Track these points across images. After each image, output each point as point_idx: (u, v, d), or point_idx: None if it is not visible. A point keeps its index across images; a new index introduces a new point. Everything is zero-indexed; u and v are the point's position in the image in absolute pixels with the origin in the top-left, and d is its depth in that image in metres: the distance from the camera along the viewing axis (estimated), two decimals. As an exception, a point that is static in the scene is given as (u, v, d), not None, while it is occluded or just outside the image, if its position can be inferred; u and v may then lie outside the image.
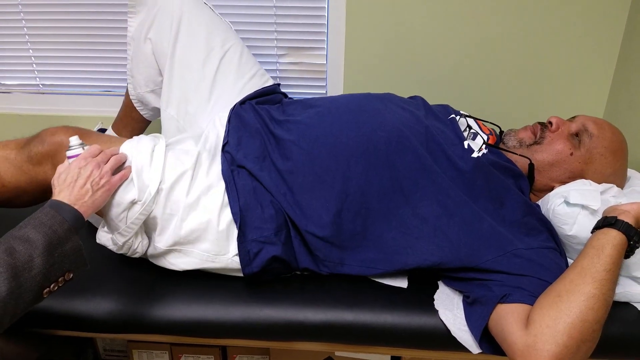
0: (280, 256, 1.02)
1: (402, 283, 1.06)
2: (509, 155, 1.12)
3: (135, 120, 1.40)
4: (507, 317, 0.88)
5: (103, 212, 1.00)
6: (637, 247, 0.90)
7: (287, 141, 1.08)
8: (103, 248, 1.05)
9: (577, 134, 1.09)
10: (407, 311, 1.01)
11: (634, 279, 0.98)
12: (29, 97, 1.79)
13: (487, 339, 0.93)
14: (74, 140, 0.98)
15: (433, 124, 1.12)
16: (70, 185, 0.90)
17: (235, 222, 1.01)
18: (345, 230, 1.03)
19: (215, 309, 1.02)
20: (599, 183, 1.05)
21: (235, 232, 1.02)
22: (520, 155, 1.10)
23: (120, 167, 0.99)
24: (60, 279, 0.82)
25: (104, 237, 1.04)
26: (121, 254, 1.05)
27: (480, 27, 1.52)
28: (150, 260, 1.08)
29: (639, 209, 0.91)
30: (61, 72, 1.75)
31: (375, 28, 1.55)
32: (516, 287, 0.92)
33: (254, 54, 1.33)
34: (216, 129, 1.16)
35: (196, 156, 1.06)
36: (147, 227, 1.04)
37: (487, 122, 1.23)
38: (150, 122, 1.43)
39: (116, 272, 1.10)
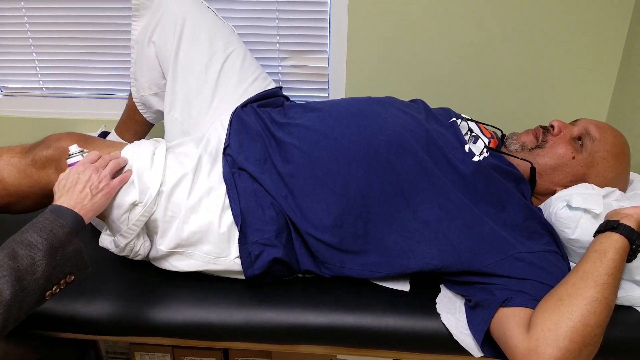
0: (282, 258, 1.02)
1: (404, 286, 1.06)
2: (511, 159, 1.11)
3: (139, 123, 1.40)
4: (509, 320, 0.88)
5: (105, 215, 1.01)
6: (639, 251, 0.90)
7: (288, 144, 1.08)
8: (106, 251, 1.05)
9: (579, 138, 1.09)
10: (409, 314, 1.01)
11: (636, 282, 0.98)
12: (33, 100, 1.80)
13: (489, 343, 0.93)
14: (74, 148, 1.00)
15: (434, 127, 1.12)
16: (70, 190, 0.91)
17: (237, 224, 1.02)
18: (346, 234, 1.03)
19: (217, 312, 1.02)
20: (601, 187, 1.05)
21: (236, 234, 1.02)
22: (521, 159, 1.10)
23: (120, 171, 1.00)
24: (62, 282, 0.83)
25: (106, 240, 1.04)
26: (123, 257, 1.06)
27: (482, 31, 1.52)
28: (152, 262, 1.08)
29: (641, 213, 0.90)
30: (64, 75, 1.76)
31: (377, 31, 1.55)
32: (518, 291, 0.92)
33: (256, 58, 1.34)
34: (218, 132, 1.16)
35: (197, 159, 1.07)
36: (149, 230, 1.04)
37: (489, 125, 1.23)
38: (153, 124, 1.44)
39: (118, 274, 1.11)
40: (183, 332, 1.03)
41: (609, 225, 0.91)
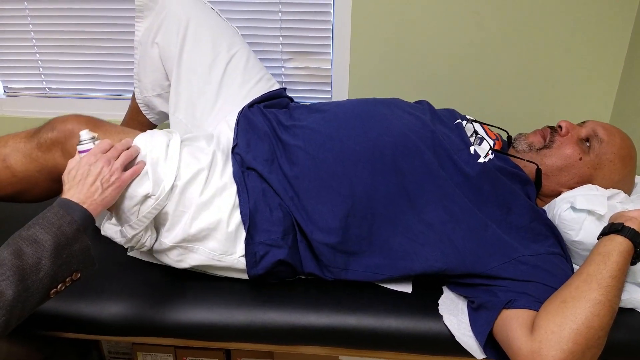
0: (286, 260, 1.02)
1: (407, 288, 1.06)
2: (516, 161, 1.11)
3: (142, 124, 1.40)
4: (512, 322, 0.88)
5: (114, 204, 0.98)
6: (644, 254, 0.90)
7: (293, 146, 1.08)
8: (108, 251, 1.05)
9: (587, 139, 1.09)
10: (411, 316, 1.01)
11: (640, 285, 0.98)
12: (36, 101, 1.80)
13: (491, 344, 0.93)
14: (85, 134, 0.96)
15: (439, 128, 1.12)
16: (80, 182, 0.88)
17: (244, 223, 1.01)
18: (351, 235, 1.03)
19: (219, 312, 1.02)
20: (607, 189, 1.05)
21: (243, 233, 1.02)
22: (527, 160, 1.10)
23: (131, 162, 0.97)
24: (67, 279, 0.82)
25: (110, 229, 1.02)
26: (125, 256, 1.05)
27: (484, 32, 1.52)
28: (154, 255, 1.07)
29: (646, 216, 0.90)
30: (67, 75, 1.76)
31: (380, 32, 1.55)
32: (521, 293, 0.92)
33: (259, 59, 1.34)
34: (225, 132, 1.16)
35: (212, 155, 1.06)
36: (156, 222, 1.02)
37: (494, 126, 1.23)
38: (156, 125, 1.44)
39: (121, 274, 1.11)
40: (185, 332, 1.03)
41: (613, 228, 0.90)
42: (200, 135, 1.14)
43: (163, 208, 0.98)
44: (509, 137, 1.22)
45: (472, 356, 0.95)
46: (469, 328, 0.97)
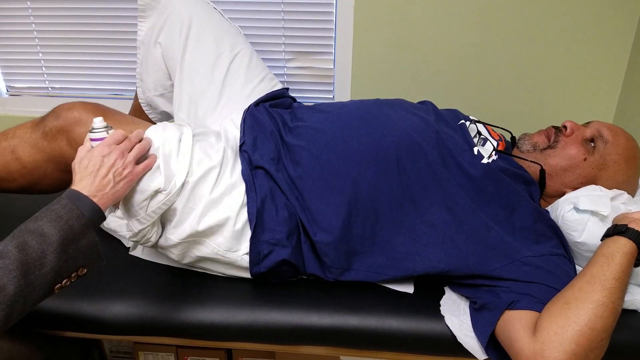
0: (289, 260, 1.02)
1: (408, 288, 1.06)
2: (520, 162, 1.11)
3: (144, 124, 1.41)
4: (515, 323, 0.87)
5: (123, 198, 0.95)
6: (647, 256, 0.89)
7: (297, 147, 1.08)
8: (110, 250, 1.05)
9: (591, 140, 1.09)
10: (412, 316, 1.01)
11: (643, 286, 0.97)
12: (39, 100, 1.81)
13: (493, 345, 0.93)
14: (99, 122, 0.92)
15: (443, 129, 1.12)
16: (92, 174, 0.85)
17: (250, 222, 1.01)
18: (354, 236, 1.03)
19: (221, 312, 1.02)
20: (610, 190, 1.05)
21: (249, 231, 1.02)
22: (531, 161, 1.10)
23: (144, 156, 0.95)
24: (73, 275, 0.81)
25: (114, 222, 1.00)
26: (127, 255, 1.05)
27: (486, 32, 1.52)
28: (158, 249, 1.07)
29: (649, 218, 0.90)
30: (70, 75, 1.77)
31: (383, 33, 1.55)
32: (524, 294, 0.92)
33: (262, 59, 1.33)
34: (232, 129, 1.15)
35: (222, 152, 1.05)
36: (163, 217, 1.01)
37: (497, 127, 1.22)
38: (158, 125, 1.44)
39: (123, 274, 1.11)
40: (187, 332, 1.03)
41: (617, 229, 0.90)
42: (209, 131, 1.14)
43: (172, 204, 0.97)
44: (512, 137, 1.22)
45: (473, 357, 0.95)
46: (471, 329, 0.97)
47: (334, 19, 1.57)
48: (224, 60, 1.22)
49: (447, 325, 0.98)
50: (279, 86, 1.30)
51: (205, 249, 1.02)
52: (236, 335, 1.02)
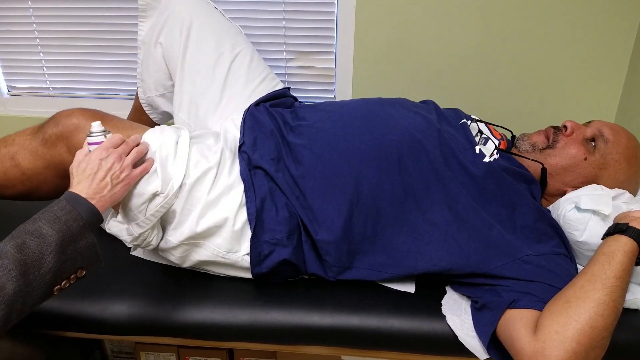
0: (290, 259, 1.02)
1: (410, 288, 1.06)
2: (521, 160, 1.11)
3: (145, 124, 1.40)
4: (516, 322, 0.87)
5: (121, 202, 0.97)
6: (648, 255, 0.89)
7: (298, 146, 1.08)
8: (111, 250, 1.05)
9: (592, 139, 1.09)
10: (414, 316, 1.01)
11: (644, 285, 0.97)
12: (40, 100, 1.81)
13: (495, 345, 0.93)
14: (97, 126, 0.93)
15: (445, 128, 1.12)
16: (90, 177, 0.87)
17: (250, 222, 1.01)
18: (356, 234, 1.03)
19: (222, 312, 1.02)
20: (612, 189, 1.05)
21: (249, 232, 1.02)
22: (532, 160, 1.10)
23: (141, 159, 0.96)
24: (72, 276, 0.81)
25: (115, 227, 1.01)
26: (128, 255, 1.05)
27: (487, 32, 1.52)
28: (159, 252, 1.07)
29: (650, 216, 0.90)
30: (71, 75, 1.77)
31: (384, 32, 1.55)
32: (525, 293, 0.92)
33: (263, 58, 1.34)
34: (232, 129, 1.15)
35: (220, 153, 1.05)
36: (162, 220, 1.02)
37: (498, 126, 1.22)
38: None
39: (124, 274, 1.11)
40: (188, 332, 1.03)
41: (618, 228, 0.90)
42: (208, 132, 1.14)
43: (171, 206, 0.98)
44: (513, 136, 1.22)
45: (475, 356, 0.95)
46: (472, 328, 0.97)
47: (335, 19, 1.57)
48: (225, 60, 1.22)
49: (448, 325, 0.98)
50: (281, 86, 1.30)
51: (206, 252, 1.02)
52: (237, 335, 1.03)
